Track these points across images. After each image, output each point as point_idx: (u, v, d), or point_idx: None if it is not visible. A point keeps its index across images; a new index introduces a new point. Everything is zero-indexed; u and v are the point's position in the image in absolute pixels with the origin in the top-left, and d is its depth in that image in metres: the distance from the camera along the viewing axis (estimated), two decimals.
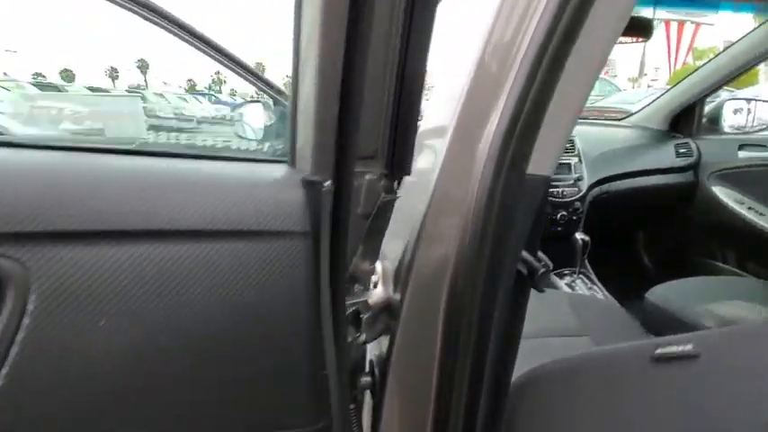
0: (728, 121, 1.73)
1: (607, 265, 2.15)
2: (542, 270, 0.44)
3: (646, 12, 1.81)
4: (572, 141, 1.59)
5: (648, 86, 10.10)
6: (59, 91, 7.87)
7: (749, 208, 1.54)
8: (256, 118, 1.13)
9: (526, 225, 0.40)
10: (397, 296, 0.45)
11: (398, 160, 0.37)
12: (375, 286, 0.46)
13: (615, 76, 16.28)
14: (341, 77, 0.33)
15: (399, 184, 0.39)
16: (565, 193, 1.49)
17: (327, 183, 0.34)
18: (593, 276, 1.48)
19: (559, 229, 1.54)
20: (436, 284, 0.41)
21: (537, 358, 0.98)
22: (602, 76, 9.67)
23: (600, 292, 1.41)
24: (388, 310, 0.46)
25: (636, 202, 1.72)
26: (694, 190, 1.71)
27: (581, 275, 1.45)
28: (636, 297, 1.91)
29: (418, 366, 0.46)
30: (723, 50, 1.53)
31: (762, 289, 1.25)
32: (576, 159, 1.55)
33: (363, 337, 0.44)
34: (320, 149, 0.35)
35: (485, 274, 0.37)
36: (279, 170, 0.44)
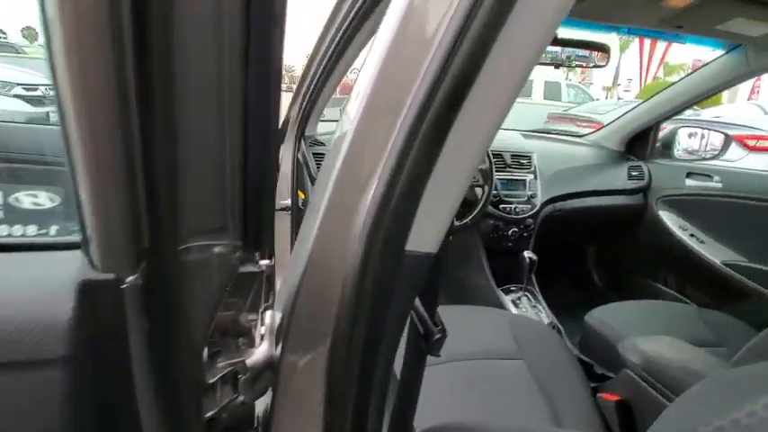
0: (681, 146, 1.78)
1: (558, 280, 2.19)
2: (437, 336, 0.41)
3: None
4: (529, 158, 1.59)
5: (619, 98, 10.42)
6: None
7: (691, 235, 1.59)
8: None
9: (409, 300, 0.36)
10: (278, 351, 0.41)
11: (253, 231, 0.31)
12: (262, 339, 0.42)
13: (591, 84, 16.69)
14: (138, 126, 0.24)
15: (268, 255, 0.35)
16: (518, 209, 1.49)
17: (131, 278, 0.27)
18: (539, 294, 1.50)
19: (510, 244, 1.54)
20: (316, 342, 0.37)
21: (471, 381, 0.98)
22: (577, 84, 9.87)
23: (543, 311, 1.42)
24: (270, 366, 0.42)
25: (587, 220, 1.75)
26: (643, 213, 1.75)
27: (527, 293, 1.46)
28: (583, 314, 1.97)
29: (300, 424, 0.42)
30: (680, 79, 1.56)
31: (695, 315, 1.29)
32: (531, 176, 1.55)
33: (241, 398, 0.40)
34: (114, 233, 0.27)
35: (363, 340, 0.34)
36: (64, 264, 0.35)
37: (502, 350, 1.04)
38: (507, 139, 1.67)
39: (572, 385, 0.96)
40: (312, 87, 1.27)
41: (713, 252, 1.50)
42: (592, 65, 1.21)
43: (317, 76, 1.23)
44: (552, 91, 9.39)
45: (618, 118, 1.86)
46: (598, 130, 1.95)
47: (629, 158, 1.81)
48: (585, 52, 1.19)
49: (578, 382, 0.97)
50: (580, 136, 2.02)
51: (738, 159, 4.65)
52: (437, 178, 0.29)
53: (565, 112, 8.05)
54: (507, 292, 1.50)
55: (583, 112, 7.65)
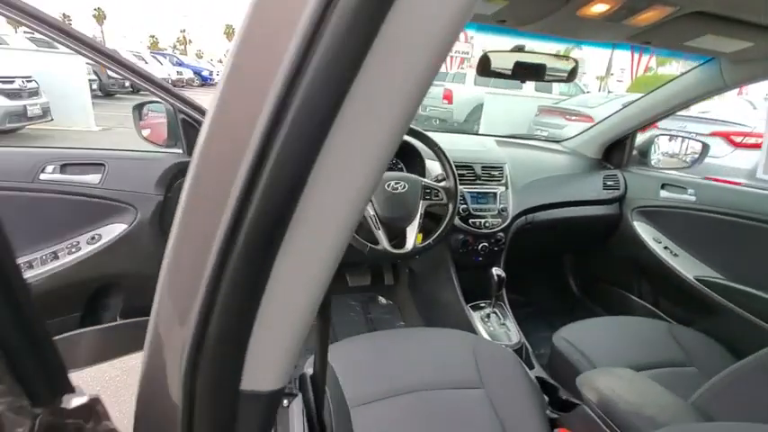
0: (658, 154, 1.75)
1: (537, 286, 2.17)
2: None
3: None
4: (501, 169, 1.54)
5: (609, 91, 10.36)
6: None
7: (665, 247, 1.57)
8: None
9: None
10: None
11: (38, 381, 0.24)
12: None
13: (584, 73, 16.60)
14: None
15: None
16: (488, 224, 1.45)
17: None
18: (508, 312, 1.47)
19: (480, 259, 1.50)
20: None
21: (430, 413, 0.95)
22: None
23: (512, 329, 1.39)
24: None
25: (561, 231, 1.72)
26: (618, 223, 1.72)
27: (495, 310, 1.43)
28: (561, 322, 1.95)
29: None
30: (656, 88, 1.51)
31: (666, 333, 1.27)
32: (502, 188, 1.51)
33: None
34: None
35: None
36: None
37: (463, 379, 1.01)
38: (480, 148, 1.62)
39: (530, 418, 0.93)
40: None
41: (687, 266, 1.48)
42: (560, 79, 1.16)
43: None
44: (543, 84, 9.31)
45: (595, 125, 1.82)
46: (584, 132, 1.90)
47: (606, 167, 1.77)
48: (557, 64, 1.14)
49: (536, 414, 0.94)
50: (557, 141, 1.97)
51: (723, 156, 4.66)
52: (274, 300, 0.24)
53: (555, 104, 8.00)
54: (476, 308, 1.46)
55: (573, 105, 7.61)
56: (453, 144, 1.58)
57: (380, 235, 1.13)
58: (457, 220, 1.42)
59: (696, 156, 1.67)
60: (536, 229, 1.60)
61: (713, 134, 4.51)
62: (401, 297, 1.91)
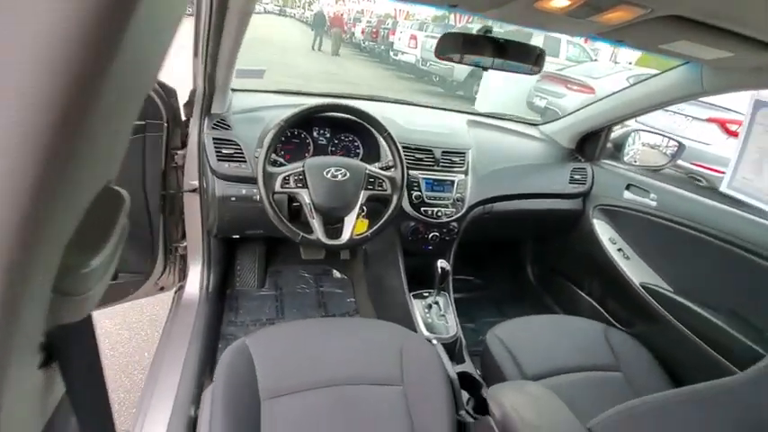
0: (631, 151, 1.68)
1: (498, 270, 2.17)
2: None
3: None
4: (463, 155, 1.47)
5: (616, 62, 9.90)
6: None
7: (619, 249, 1.54)
8: None
9: None
10: None
11: None
12: None
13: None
14: None
15: None
16: (440, 213, 1.40)
17: None
18: (451, 305, 1.45)
19: (430, 248, 1.47)
20: None
21: (346, 408, 0.95)
22: (583, 43, 9.28)
23: (451, 322, 1.39)
24: None
25: (519, 223, 1.68)
26: (579, 219, 1.68)
27: (438, 300, 1.42)
28: (511, 310, 1.97)
29: None
30: (637, 83, 1.41)
31: (600, 335, 1.28)
32: (461, 176, 1.44)
33: None
34: None
35: None
36: None
37: (384, 376, 1.01)
38: (444, 130, 1.53)
39: (440, 421, 0.94)
40: (206, 53, 1.10)
41: (635, 271, 1.46)
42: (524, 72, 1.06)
43: (206, 38, 1.06)
44: (551, 46, 8.88)
45: (573, 112, 1.72)
46: (562, 118, 1.80)
47: (577, 159, 1.70)
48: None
49: (447, 418, 0.95)
50: (535, 125, 1.88)
51: (715, 144, 4.57)
52: None
53: (559, 71, 7.68)
54: (420, 297, 1.45)
55: (578, 74, 7.30)
56: (415, 124, 1.49)
57: (315, 224, 1.08)
58: (408, 207, 1.37)
59: (667, 160, 1.61)
60: (493, 220, 1.56)
61: (710, 120, 4.39)
62: (356, 273, 1.89)
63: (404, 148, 1.39)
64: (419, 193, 1.37)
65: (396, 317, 1.45)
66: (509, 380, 1.12)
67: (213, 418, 0.85)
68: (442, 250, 1.51)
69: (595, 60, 9.44)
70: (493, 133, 1.70)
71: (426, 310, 1.40)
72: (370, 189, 1.13)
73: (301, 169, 1.07)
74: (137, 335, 1.81)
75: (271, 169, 1.06)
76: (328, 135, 1.41)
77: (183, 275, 1.59)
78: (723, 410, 0.62)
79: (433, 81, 10.42)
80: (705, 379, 1.23)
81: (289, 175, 1.07)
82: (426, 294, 1.45)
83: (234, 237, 1.52)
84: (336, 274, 1.94)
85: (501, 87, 8.12)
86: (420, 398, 0.98)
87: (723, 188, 1.28)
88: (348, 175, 1.10)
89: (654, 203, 1.43)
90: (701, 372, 1.23)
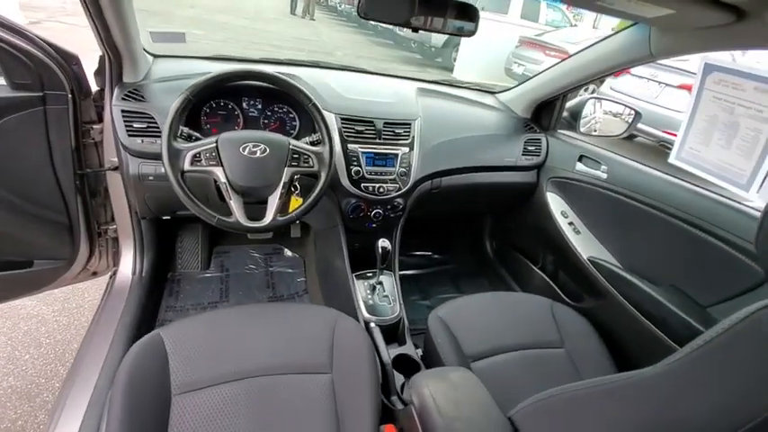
0: (586, 119, 1.61)
1: (454, 244, 2.13)
2: None
3: None
4: (408, 126, 1.37)
5: (595, 27, 9.70)
6: None
7: (570, 223, 1.50)
8: None
9: None
10: None
11: None
12: None
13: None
14: None
15: None
16: (382, 189, 1.32)
17: None
18: (396, 283, 1.40)
19: (374, 225, 1.40)
20: None
21: (261, 399, 0.90)
22: (565, 9, 9.02)
23: (393, 302, 1.34)
24: None
25: (471, 197, 1.62)
26: (533, 192, 1.63)
27: (381, 281, 1.36)
28: (468, 285, 1.93)
29: None
30: (584, 49, 1.32)
31: (547, 311, 1.25)
32: (406, 149, 1.36)
33: None
34: None
35: None
36: None
37: (312, 363, 0.95)
38: (389, 99, 1.43)
39: (364, 410, 0.90)
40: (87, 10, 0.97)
41: (584, 246, 1.43)
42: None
43: None
44: (531, 10, 8.63)
45: (527, 80, 1.63)
46: (518, 85, 1.71)
47: (532, 129, 1.63)
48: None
49: (371, 406, 0.91)
50: (492, 93, 1.79)
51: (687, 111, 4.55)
52: None
53: (537, 36, 7.48)
54: (363, 277, 1.39)
55: (556, 40, 7.13)
56: (357, 93, 1.39)
57: (233, 205, 0.99)
58: (347, 184, 1.29)
59: (623, 129, 1.55)
60: (442, 195, 1.49)
61: (681, 86, 4.35)
62: (308, 251, 1.82)
63: (342, 119, 1.29)
64: (359, 169, 1.29)
65: (340, 298, 1.40)
66: (447, 361, 1.08)
67: (110, 420, 0.78)
68: (387, 228, 1.45)
69: (575, 26, 9.23)
70: (444, 102, 1.60)
71: (369, 292, 1.35)
72: (295, 165, 1.04)
73: (214, 145, 0.97)
74: (76, 321, 1.72)
75: (178, 145, 0.96)
76: (260, 106, 1.30)
77: (117, 259, 1.50)
78: (639, 405, 0.59)
79: (412, 47, 10.08)
80: (647, 356, 1.22)
81: (200, 152, 0.96)
82: (370, 275, 1.39)
83: (164, 218, 1.42)
84: (288, 252, 1.87)
85: (480, 54, 7.91)
86: (348, 385, 0.94)
87: (671, 159, 1.23)
88: (268, 150, 1.01)
89: (604, 175, 1.38)
90: (644, 348, 1.22)
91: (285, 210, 1.10)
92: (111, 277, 1.50)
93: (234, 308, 1.08)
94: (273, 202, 1.03)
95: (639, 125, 4.34)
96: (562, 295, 1.58)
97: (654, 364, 0.60)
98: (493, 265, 1.99)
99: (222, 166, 0.97)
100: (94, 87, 1.23)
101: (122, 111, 1.12)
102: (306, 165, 1.06)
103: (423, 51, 9.71)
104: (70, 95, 1.14)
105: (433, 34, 9.04)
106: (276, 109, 1.32)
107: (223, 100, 1.26)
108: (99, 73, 1.20)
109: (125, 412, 0.79)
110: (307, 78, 1.34)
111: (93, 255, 1.43)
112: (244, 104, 1.29)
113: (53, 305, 1.78)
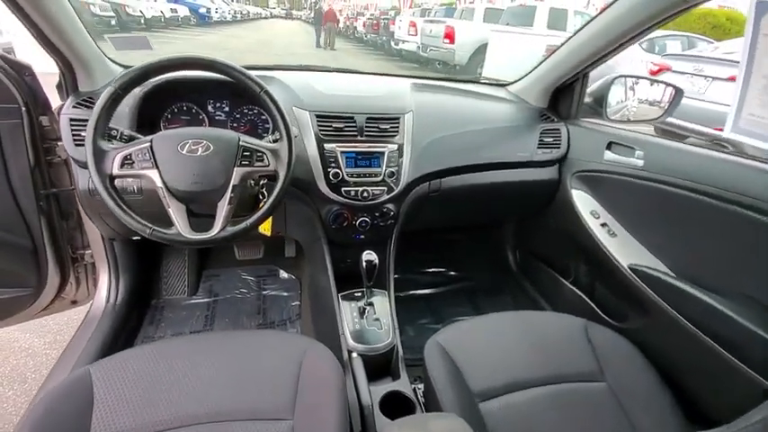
0: (613, 103, 1.36)
1: (471, 258, 1.88)
2: None
3: None
4: (396, 121, 1.19)
5: None
6: None
7: (602, 224, 1.24)
8: None
9: None
10: None
11: None
12: None
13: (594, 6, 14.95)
14: None
15: None
16: (366, 193, 1.13)
17: None
18: (390, 303, 1.19)
19: (362, 237, 1.21)
20: None
21: None
22: (581, 9, 8.74)
23: (384, 328, 1.12)
24: None
25: (482, 200, 1.39)
26: (556, 190, 1.38)
27: (371, 302, 1.15)
28: (489, 305, 1.68)
29: None
30: (605, 8, 1.09)
31: (580, 334, 0.99)
32: (394, 147, 1.17)
33: None
34: None
35: None
36: None
37: (271, 408, 0.76)
38: (377, 93, 1.26)
39: None
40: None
41: (622, 251, 1.16)
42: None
43: None
44: (557, 19, 8.38)
45: (539, 64, 1.41)
46: (529, 72, 1.50)
47: (548, 118, 1.39)
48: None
49: None
50: (502, 85, 1.58)
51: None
52: None
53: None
54: (351, 298, 1.19)
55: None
56: (343, 90, 1.24)
57: (173, 214, 0.84)
58: (325, 189, 1.11)
59: (662, 111, 1.29)
60: (445, 198, 1.28)
61: (731, 79, 3.91)
62: (305, 272, 1.65)
63: (318, 117, 1.13)
64: (338, 171, 1.11)
65: (326, 323, 1.20)
66: (445, 401, 0.84)
67: None
68: (380, 239, 1.25)
69: None
70: (443, 96, 1.41)
71: (356, 315, 1.14)
72: (246, 165, 0.88)
73: (148, 145, 0.83)
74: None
75: (104, 146, 0.83)
76: (227, 108, 1.17)
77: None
78: None
79: (437, 68, 10.04)
80: (715, 390, 0.92)
81: (130, 154, 0.83)
82: (359, 294, 1.18)
83: (134, 239, 1.30)
84: (284, 274, 1.70)
85: (505, 67, 7.70)
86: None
87: (726, 134, 0.96)
88: (212, 148, 0.85)
89: (640, 162, 1.12)
90: (712, 380, 0.92)
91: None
92: (90, 306, 1.39)
93: (186, 337, 0.91)
94: (222, 209, 0.86)
95: (688, 124, 3.90)
96: (600, 312, 1.29)
97: (729, 404, 0.36)
98: (517, 280, 1.72)
99: (158, 168, 0.83)
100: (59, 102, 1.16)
101: (70, 119, 1.02)
102: (260, 164, 0.89)
103: (447, 70, 9.64)
104: (24, 108, 1.06)
105: (457, 53, 8.97)
106: (246, 111, 1.18)
107: (186, 103, 1.14)
108: (59, 85, 1.13)
109: None
110: (289, 81, 1.21)
111: (68, 282, 1.33)
112: (209, 107, 1.16)
113: (45, 337, 1.70)
